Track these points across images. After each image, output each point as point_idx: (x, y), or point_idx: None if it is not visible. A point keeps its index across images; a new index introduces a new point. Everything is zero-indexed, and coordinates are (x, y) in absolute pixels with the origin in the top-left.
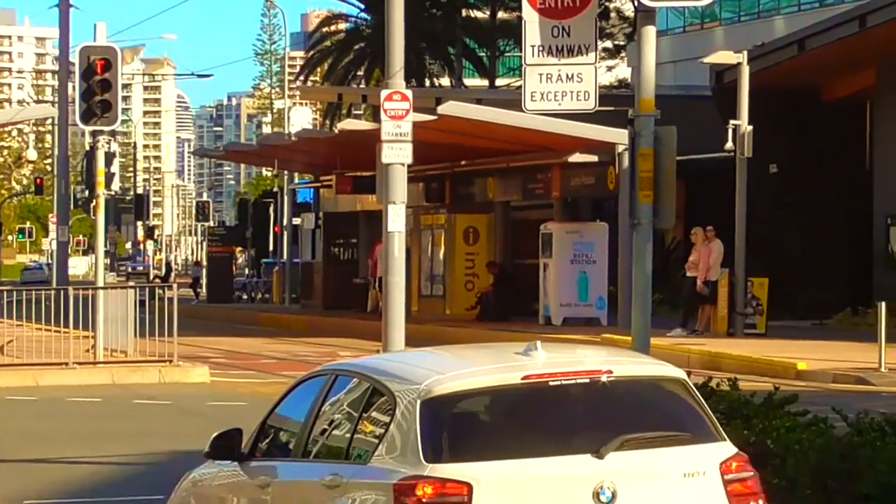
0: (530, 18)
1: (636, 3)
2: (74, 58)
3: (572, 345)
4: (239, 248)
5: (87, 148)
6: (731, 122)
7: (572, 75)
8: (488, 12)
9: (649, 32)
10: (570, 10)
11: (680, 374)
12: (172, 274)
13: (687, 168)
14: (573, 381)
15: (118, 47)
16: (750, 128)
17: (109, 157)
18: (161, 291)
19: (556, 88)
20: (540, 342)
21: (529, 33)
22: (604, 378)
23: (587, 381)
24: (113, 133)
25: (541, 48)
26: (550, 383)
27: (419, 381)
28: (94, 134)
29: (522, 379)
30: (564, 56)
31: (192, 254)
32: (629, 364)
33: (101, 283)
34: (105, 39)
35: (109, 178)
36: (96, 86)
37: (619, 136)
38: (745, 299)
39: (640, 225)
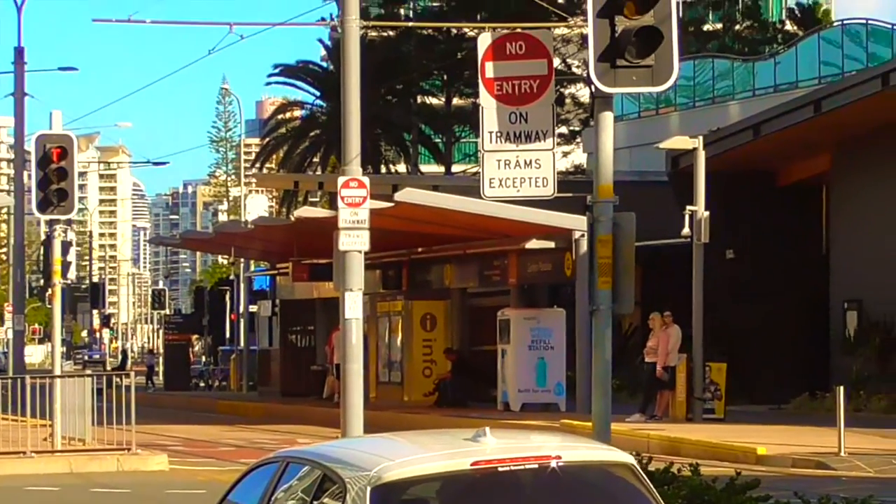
0: (488, 104)
1: (593, 89)
2: (29, 146)
3: (523, 431)
4: (195, 336)
5: (43, 236)
6: (688, 207)
7: (530, 161)
8: (443, 99)
9: (607, 118)
10: (527, 96)
11: (629, 459)
12: (129, 362)
13: (643, 253)
14: (522, 467)
15: (74, 135)
16: (707, 213)
17: (66, 246)
18: (118, 379)
19: (514, 175)
20: (489, 428)
21: (487, 119)
22: (553, 463)
23: (536, 466)
24: (69, 221)
25: (499, 134)
26: (500, 469)
27: (369, 467)
28: (50, 223)
29: (472, 465)
30: (522, 142)
31: (149, 341)
32: (578, 449)
33: (58, 372)
34: (61, 127)
35: (66, 267)
36: (52, 174)
37: (575, 223)
38: (703, 384)
39: (600, 311)
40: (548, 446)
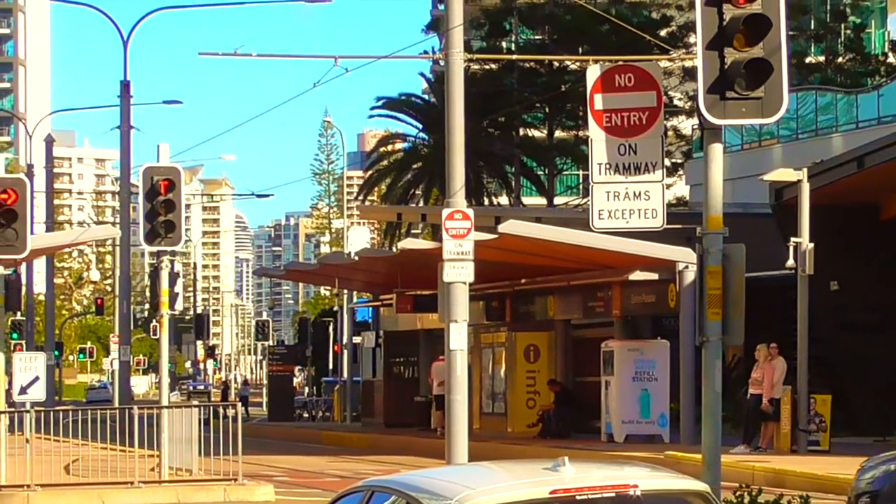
0: (597, 137)
1: (702, 122)
2: (135, 178)
3: (601, 461)
4: (299, 367)
5: (149, 268)
6: (792, 239)
7: (640, 193)
8: (545, 131)
9: (715, 150)
10: (636, 128)
11: (703, 487)
12: (231, 393)
13: (747, 285)
14: (600, 496)
15: (181, 168)
16: (811, 245)
17: (173, 278)
18: (224, 410)
19: (623, 206)
20: (568, 458)
21: (596, 151)
22: (630, 492)
23: (613, 494)
24: (174, 253)
25: (608, 166)
26: (578, 497)
27: (451, 496)
28: (157, 254)
29: (551, 493)
30: (632, 174)
31: (252, 373)
32: (654, 478)
33: (165, 402)
34: (168, 160)
35: (173, 298)
36: (160, 206)
37: (679, 254)
38: (808, 416)
39: (709, 342)
40: (625, 475)
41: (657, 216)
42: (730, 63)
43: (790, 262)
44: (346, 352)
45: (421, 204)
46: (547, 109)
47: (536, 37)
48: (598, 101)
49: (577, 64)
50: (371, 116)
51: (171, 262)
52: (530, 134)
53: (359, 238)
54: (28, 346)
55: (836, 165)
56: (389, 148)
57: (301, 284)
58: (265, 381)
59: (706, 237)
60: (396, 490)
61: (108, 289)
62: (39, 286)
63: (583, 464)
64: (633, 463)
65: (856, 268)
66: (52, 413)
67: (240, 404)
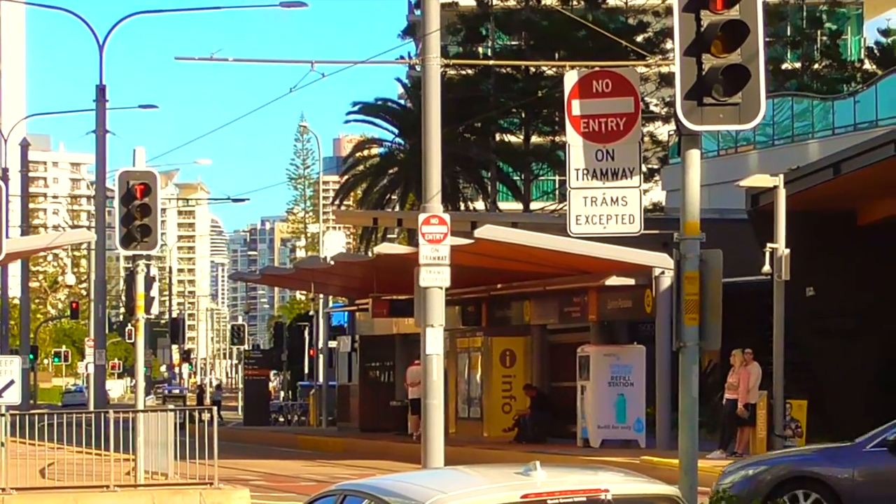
0: (574, 142)
1: (679, 128)
2: (111, 182)
3: (572, 465)
4: (274, 371)
5: (124, 272)
6: (769, 245)
7: (617, 198)
8: (522, 137)
9: (693, 156)
10: (613, 133)
11: (674, 491)
12: (206, 397)
13: (724, 291)
14: (571, 500)
15: (157, 172)
16: (787, 251)
17: (149, 282)
18: (199, 414)
19: (600, 212)
20: (539, 462)
21: (574, 157)
22: (601, 496)
23: (584, 499)
24: (149, 257)
25: (585, 171)
26: (549, 501)
27: (422, 500)
28: (132, 258)
29: (522, 497)
30: (609, 179)
31: (227, 377)
32: (625, 483)
33: (140, 406)
34: (144, 164)
35: (149, 302)
36: (136, 210)
37: (655, 260)
38: (784, 421)
39: (686, 347)
40: (596, 480)
41: (634, 221)
42: (707, 69)
43: (766, 268)
44: (321, 356)
45: (397, 209)
46: (523, 115)
47: (513, 42)
48: (576, 107)
49: (554, 70)
50: (347, 121)
51: (147, 266)
52: (507, 139)
53: (334, 243)
54: (2, 349)
55: (812, 172)
56: (366, 153)
57: (277, 289)
58: (241, 386)
59: (683, 242)
60: (368, 494)
61: (84, 293)
62: (14, 290)
63: (555, 468)
64: (606, 468)
65: (832, 273)
66: (27, 416)
67: (215, 408)
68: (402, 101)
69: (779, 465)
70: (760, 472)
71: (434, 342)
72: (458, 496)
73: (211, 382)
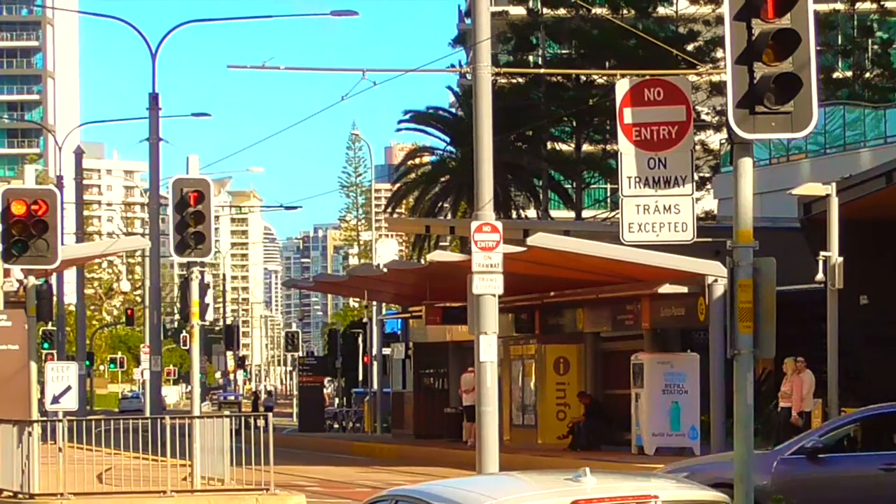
0: (627, 151)
1: (731, 136)
2: (164, 190)
3: (623, 472)
4: (328, 378)
5: (178, 279)
6: (821, 253)
7: (669, 206)
8: (573, 145)
9: (746, 164)
10: (665, 142)
11: (724, 498)
12: (273, 404)
13: (776, 299)
14: None
15: (210, 179)
16: (840, 259)
17: (204, 288)
18: (255, 421)
19: (653, 220)
20: (589, 468)
21: (626, 165)
22: (650, 502)
23: None
24: (203, 264)
25: (637, 179)
26: None
27: None
28: (187, 265)
29: (572, 503)
30: (661, 187)
31: (282, 383)
32: (675, 489)
33: (196, 412)
34: (197, 172)
35: (204, 308)
36: (189, 217)
37: (708, 268)
38: None
39: (741, 355)
40: (645, 486)
41: (687, 229)
42: (759, 78)
43: (819, 277)
44: (375, 363)
45: (449, 217)
46: (574, 123)
47: (563, 51)
48: (628, 115)
49: (604, 78)
50: (399, 129)
51: (201, 272)
52: (558, 147)
53: (387, 250)
54: (59, 355)
55: (864, 180)
56: (417, 161)
57: (330, 296)
58: (295, 392)
59: (737, 250)
60: (418, 499)
61: (138, 299)
62: (70, 297)
63: (604, 474)
64: (656, 474)
65: (885, 282)
66: (84, 422)
67: (270, 414)
68: (453, 110)
69: (703, 471)
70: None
71: (488, 349)
72: (508, 502)
73: (265, 388)
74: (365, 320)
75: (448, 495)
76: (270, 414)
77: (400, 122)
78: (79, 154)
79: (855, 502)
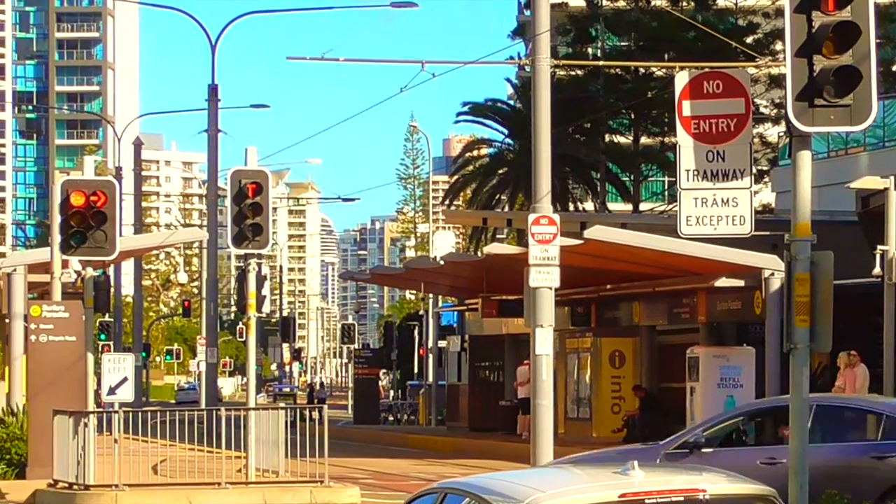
0: (685, 143)
1: (790, 129)
2: (223, 182)
3: (672, 465)
4: (383, 370)
5: (235, 271)
6: (879, 247)
7: (727, 200)
8: (631, 137)
9: (804, 157)
10: (724, 134)
11: (771, 492)
12: (326, 396)
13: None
14: (668, 500)
15: (268, 171)
16: None
17: (261, 280)
18: (310, 413)
19: (711, 213)
20: (637, 462)
21: (684, 158)
22: (699, 496)
23: (682, 499)
24: (260, 256)
25: (695, 172)
26: (647, 501)
27: (521, 498)
28: (244, 257)
29: (620, 497)
30: (719, 180)
31: (337, 375)
32: (722, 483)
33: (252, 404)
34: (256, 163)
35: (261, 300)
36: (247, 209)
37: (765, 261)
38: None
39: (797, 349)
40: (693, 480)
41: (745, 223)
42: (819, 70)
43: (877, 270)
44: (431, 356)
45: (506, 209)
46: (632, 116)
47: (622, 43)
48: (687, 108)
49: (663, 71)
50: (457, 121)
51: (259, 264)
52: (616, 140)
53: (444, 242)
54: (116, 347)
55: None
56: (475, 153)
57: (386, 288)
58: (350, 385)
59: (794, 244)
60: (468, 492)
61: (195, 291)
62: (127, 288)
63: (653, 468)
64: (705, 468)
65: None
66: (139, 414)
67: (325, 407)
68: (511, 102)
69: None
70: None
71: (544, 342)
72: (556, 495)
73: (319, 381)
74: (421, 313)
75: (496, 488)
76: (325, 406)
77: (458, 113)
78: (138, 145)
79: None
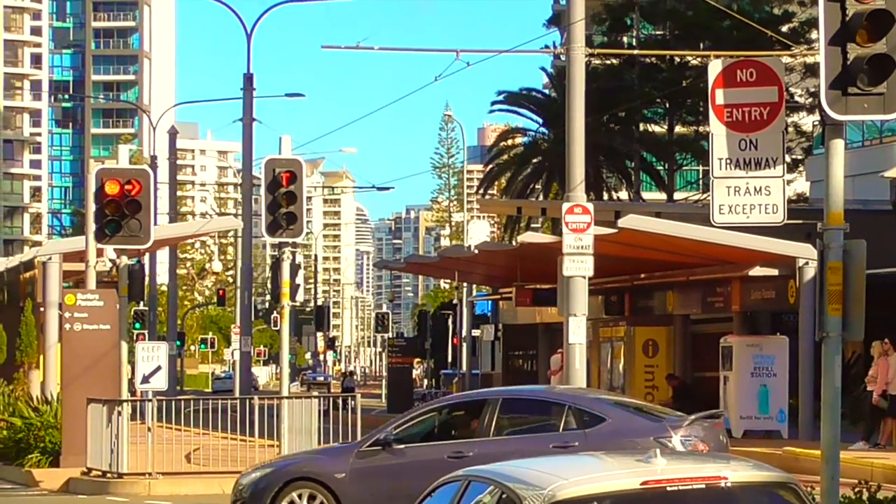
0: (718, 132)
1: (823, 117)
2: (258, 171)
3: (692, 453)
4: (418, 359)
5: (270, 260)
6: None
7: (760, 188)
8: (666, 126)
9: (837, 146)
10: (757, 123)
11: (791, 479)
12: (354, 385)
13: (866, 281)
14: (690, 487)
15: (302, 160)
16: None
17: (294, 269)
18: (343, 401)
19: (744, 201)
20: (659, 449)
21: (717, 146)
22: (721, 484)
23: (703, 486)
24: (295, 245)
25: (728, 161)
26: (668, 488)
27: (544, 485)
28: (278, 246)
29: (641, 484)
30: (752, 169)
31: (371, 364)
32: (743, 470)
33: (285, 393)
34: (290, 152)
35: (294, 289)
36: (281, 198)
37: (799, 250)
38: None
39: (829, 338)
40: (715, 468)
41: (777, 211)
42: (852, 59)
43: None
44: (465, 344)
45: (541, 198)
46: (667, 105)
47: (657, 32)
48: (720, 97)
49: (698, 60)
50: (492, 111)
51: (293, 253)
52: (650, 129)
53: (479, 232)
54: (150, 335)
55: None
56: (509, 142)
57: (421, 277)
58: (384, 373)
59: (827, 233)
60: (492, 480)
61: (230, 280)
62: (162, 277)
63: (676, 456)
64: (726, 456)
65: None
66: (173, 402)
67: (359, 396)
68: (546, 91)
69: (288, 466)
70: (270, 473)
71: (577, 331)
72: (579, 482)
73: (356, 370)
74: (455, 302)
75: (519, 475)
76: (357, 395)
77: (493, 102)
78: (173, 134)
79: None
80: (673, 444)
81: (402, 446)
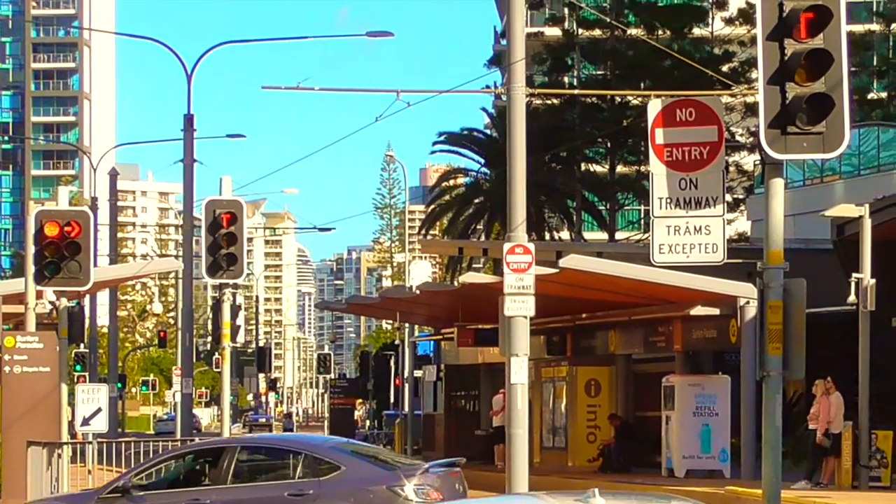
0: (658, 171)
1: (763, 156)
2: (198, 212)
3: (637, 493)
4: (360, 400)
5: (211, 301)
6: (854, 275)
7: (700, 227)
8: (607, 166)
9: (777, 185)
10: (697, 162)
11: None
12: (294, 426)
13: (808, 320)
14: None
15: (243, 201)
16: (873, 281)
17: (235, 310)
18: None
19: (683, 241)
20: (598, 489)
21: (657, 185)
22: None
23: None
24: (236, 286)
25: (668, 200)
26: None
27: None
28: (219, 287)
29: None
30: (692, 208)
31: (314, 405)
32: None
33: (226, 434)
34: (230, 193)
35: (235, 330)
36: (222, 239)
37: (740, 290)
38: (869, 452)
39: (770, 377)
40: None
41: (717, 250)
42: (791, 98)
43: (851, 298)
44: (407, 385)
45: (482, 238)
46: (609, 144)
47: (598, 72)
48: (660, 136)
49: (639, 99)
50: (433, 151)
51: (234, 294)
52: (592, 169)
53: (420, 272)
54: (91, 377)
55: None
56: (451, 182)
57: (363, 318)
58: (327, 415)
59: (767, 272)
60: None
61: (171, 321)
62: (103, 318)
63: (616, 496)
64: (671, 496)
65: None
66: (114, 444)
67: None
68: (487, 131)
69: None
70: None
71: (519, 371)
72: None
73: (298, 412)
74: (397, 342)
75: None
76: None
77: (434, 143)
78: (113, 176)
79: None
80: (405, 493)
81: (141, 493)
